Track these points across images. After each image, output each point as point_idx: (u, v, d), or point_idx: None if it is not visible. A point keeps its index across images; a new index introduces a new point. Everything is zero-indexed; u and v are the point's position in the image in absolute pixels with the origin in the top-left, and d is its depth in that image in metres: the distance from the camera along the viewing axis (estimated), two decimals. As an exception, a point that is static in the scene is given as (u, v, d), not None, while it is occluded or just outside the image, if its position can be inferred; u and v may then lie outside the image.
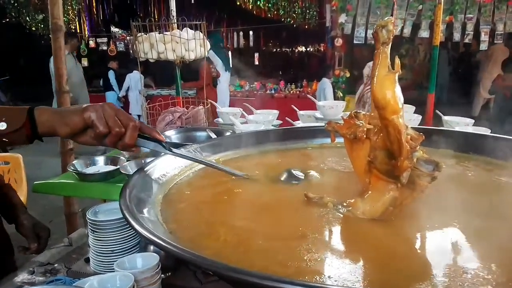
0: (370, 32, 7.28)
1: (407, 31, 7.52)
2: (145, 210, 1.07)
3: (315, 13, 10.59)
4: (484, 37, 7.21)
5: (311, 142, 1.81)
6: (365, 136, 1.14)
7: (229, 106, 6.41)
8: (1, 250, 1.60)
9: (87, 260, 1.44)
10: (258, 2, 10.94)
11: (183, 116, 2.94)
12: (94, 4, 12.15)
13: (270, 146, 1.76)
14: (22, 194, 3.05)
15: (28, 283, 1.33)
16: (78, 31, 10.72)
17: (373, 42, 1.07)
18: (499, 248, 0.97)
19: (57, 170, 3.61)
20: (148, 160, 1.45)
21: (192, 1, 10.56)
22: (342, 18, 7.78)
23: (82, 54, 9.65)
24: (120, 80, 9.13)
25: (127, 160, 2.27)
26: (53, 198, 3.44)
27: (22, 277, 1.38)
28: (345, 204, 1.13)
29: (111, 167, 2.28)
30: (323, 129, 1.36)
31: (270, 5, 10.97)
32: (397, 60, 1.00)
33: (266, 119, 2.82)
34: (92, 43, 10.77)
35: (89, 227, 1.38)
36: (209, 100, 3.26)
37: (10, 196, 1.71)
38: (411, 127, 1.10)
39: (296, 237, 1.01)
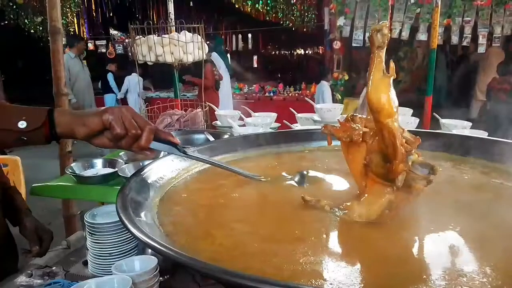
0: (368, 35, 7.29)
1: (405, 34, 7.55)
2: (142, 213, 1.07)
3: (313, 16, 10.61)
4: (482, 40, 7.25)
5: (309, 145, 1.81)
6: (361, 139, 1.14)
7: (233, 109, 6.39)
8: (6, 252, 1.61)
9: (85, 263, 1.45)
10: (257, 5, 10.96)
11: (182, 118, 2.95)
12: (93, 6, 12.17)
13: (267, 148, 1.76)
14: (20, 197, 3.04)
15: (26, 286, 1.34)
16: (76, 33, 10.71)
17: (372, 45, 1.07)
18: (494, 251, 0.97)
19: (55, 173, 3.61)
20: (146, 163, 1.46)
21: (191, 4, 10.60)
22: (341, 21, 7.81)
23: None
24: (119, 83, 9.14)
25: (125, 163, 2.27)
26: (52, 200, 3.43)
27: (20, 280, 1.38)
28: (341, 207, 1.13)
29: (109, 170, 2.28)
30: (320, 132, 1.37)
31: (268, 8, 10.99)
32: (392, 64, 1.01)
33: (264, 121, 2.83)
34: (91, 46, 10.78)
35: (87, 229, 1.39)
36: (207, 103, 3.26)
37: (15, 199, 1.72)
38: (408, 130, 1.11)
39: (292, 240, 1.01)
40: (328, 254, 0.97)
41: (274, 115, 3.04)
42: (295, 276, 0.86)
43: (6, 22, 9.94)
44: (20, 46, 11.05)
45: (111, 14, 12.81)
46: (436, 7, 3.35)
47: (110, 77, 9.10)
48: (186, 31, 3.12)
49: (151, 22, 3.19)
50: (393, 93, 0.99)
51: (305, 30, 11.55)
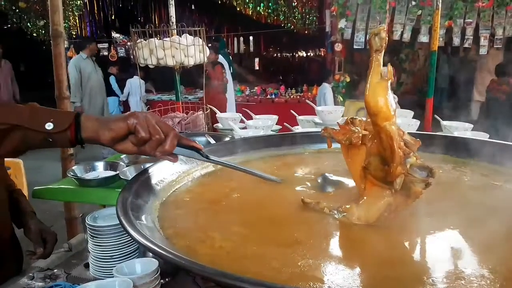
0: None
1: (406, 36, 7.55)
2: (142, 216, 1.07)
3: (315, 18, 10.62)
4: (484, 41, 7.24)
5: (309, 147, 1.82)
6: (360, 142, 1.15)
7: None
8: (11, 254, 1.63)
9: (87, 266, 1.45)
10: (258, 8, 10.98)
11: (183, 121, 2.96)
12: (95, 9, 12.22)
13: (268, 151, 1.77)
14: (23, 200, 3.05)
15: (27, 288, 1.35)
16: (79, 36, 10.76)
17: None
18: (493, 253, 0.97)
19: (57, 175, 3.62)
20: (147, 165, 1.46)
21: (193, 7, 10.63)
22: (342, 24, 7.82)
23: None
24: (121, 86, 9.17)
25: (127, 166, 2.28)
26: (54, 203, 3.44)
27: (22, 282, 1.39)
28: (340, 209, 1.14)
29: (110, 173, 2.28)
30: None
31: (270, 11, 11.01)
32: (390, 67, 1.02)
33: (265, 124, 2.83)
34: (93, 48, 10.77)
35: (89, 232, 1.39)
36: (208, 106, 3.27)
37: (20, 201, 1.74)
38: (408, 133, 1.11)
39: (291, 243, 1.02)
40: (326, 257, 0.98)
41: (275, 117, 3.04)
42: (294, 279, 0.87)
43: (9, 25, 9.99)
44: (22, 50, 11.10)
45: (113, 17, 12.86)
46: (436, 10, 3.35)
47: (112, 80, 9.13)
48: (187, 34, 3.13)
49: (152, 26, 3.21)
50: (391, 97, 1.00)
51: (306, 32, 11.57)
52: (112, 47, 10.86)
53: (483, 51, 7.33)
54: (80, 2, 9.99)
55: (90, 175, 2.30)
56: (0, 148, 1.09)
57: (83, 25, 11.56)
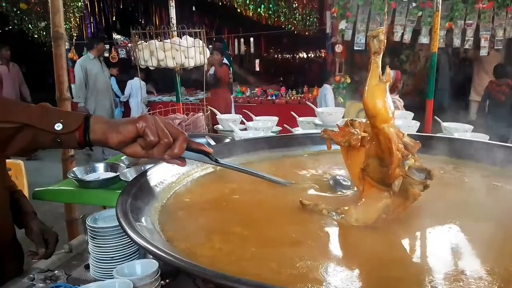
0: (370, 38, 7.29)
1: (407, 37, 7.55)
2: (142, 218, 1.08)
3: (315, 19, 10.62)
4: (484, 43, 7.24)
5: (309, 149, 1.82)
6: (359, 144, 1.15)
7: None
8: (12, 255, 1.63)
9: (87, 267, 1.45)
10: (259, 9, 10.98)
11: (183, 122, 2.96)
12: (96, 11, 12.24)
13: (268, 153, 1.77)
14: (24, 201, 3.06)
15: (28, 290, 1.35)
16: (79, 37, 10.77)
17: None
18: (493, 254, 0.98)
19: (58, 177, 3.63)
20: (147, 167, 1.47)
21: (193, 9, 10.63)
22: (342, 25, 7.83)
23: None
24: (122, 87, 9.19)
25: (127, 167, 2.28)
26: (54, 204, 3.45)
27: (22, 283, 1.40)
28: (339, 211, 1.14)
29: (111, 174, 2.29)
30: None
31: (270, 12, 11.01)
32: (388, 70, 1.02)
33: (265, 125, 2.83)
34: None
35: (89, 233, 1.40)
36: (209, 107, 3.28)
37: (21, 202, 1.74)
38: (408, 134, 1.11)
39: (290, 244, 1.02)
40: (325, 259, 0.98)
41: (275, 119, 3.05)
42: (292, 280, 0.87)
43: (10, 27, 10.01)
44: (23, 51, 11.12)
45: (114, 19, 12.87)
46: (437, 11, 3.35)
47: (113, 81, 9.14)
48: (187, 36, 3.14)
49: (153, 27, 3.21)
50: (389, 99, 1.00)
51: (307, 33, 11.56)
52: (113, 49, 10.87)
53: (483, 52, 7.33)
54: (81, 4, 10.00)
55: (90, 177, 2.31)
56: (9, 146, 1.10)
57: (84, 26, 11.57)
